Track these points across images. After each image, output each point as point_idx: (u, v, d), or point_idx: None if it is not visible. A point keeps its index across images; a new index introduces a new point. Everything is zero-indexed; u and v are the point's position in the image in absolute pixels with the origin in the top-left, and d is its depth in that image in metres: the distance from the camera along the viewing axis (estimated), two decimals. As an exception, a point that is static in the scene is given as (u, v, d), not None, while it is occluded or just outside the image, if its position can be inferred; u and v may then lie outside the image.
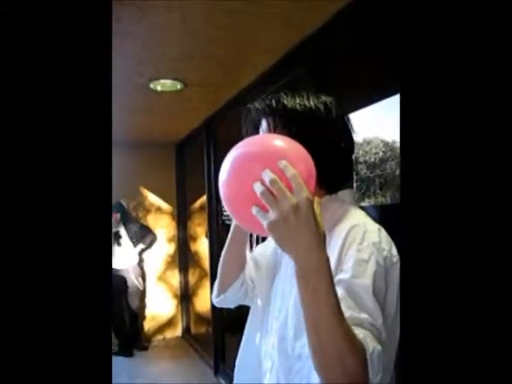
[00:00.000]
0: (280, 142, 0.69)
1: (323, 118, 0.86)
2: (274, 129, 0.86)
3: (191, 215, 4.86)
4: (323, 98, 0.89)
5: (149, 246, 4.62)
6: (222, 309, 3.72)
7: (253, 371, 0.97)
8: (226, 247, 1.04)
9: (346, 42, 2.00)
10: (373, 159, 2.10)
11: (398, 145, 1.90)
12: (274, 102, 0.88)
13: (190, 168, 4.77)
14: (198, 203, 4.68)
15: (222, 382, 3.56)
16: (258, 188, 0.61)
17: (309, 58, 2.14)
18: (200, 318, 4.69)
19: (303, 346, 0.78)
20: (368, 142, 2.14)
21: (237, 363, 1.02)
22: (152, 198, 4.85)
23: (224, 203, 0.71)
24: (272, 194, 0.60)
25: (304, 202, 0.60)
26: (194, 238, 4.78)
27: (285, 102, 0.88)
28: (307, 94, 0.90)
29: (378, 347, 0.66)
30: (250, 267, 1.07)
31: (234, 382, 1.02)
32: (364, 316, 0.69)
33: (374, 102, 1.96)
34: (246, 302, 1.08)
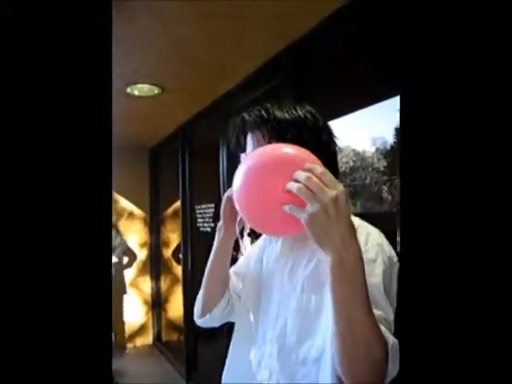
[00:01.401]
0: (292, 149, 0.73)
1: (313, 125, 0.89)
2: (269, 139, 0.87)
3: (164, 221, 4.81)
4: (307, 107, 0.91)
5: (128, 265, 4.47)
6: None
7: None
8: (210, 266, 1.02)
9: (327, 50, 2.03)
10: (343, 168, 2.14)
11: (368, 154, 1.93)
12: (264, 113, 0.89)
13: (164, 173, 4.73)
14: (171, 209, 4.64)
15: (194, 390, 3.52)
16: (292, 186, 0.65)
17: (289, 66, 2.16)
18: (172, 326, 4.63)
19: (308, 349, 0.81)
20: (339, 151, 2.17)
21: (224, 377, 1.02)
22: (124, 203, 4.77)
23: (246, 211, 0.75)
24: (308, 189, 0.63)
25: (342, 193, 0.63)
26: (167, 244, 4.73)
27: (275, 112, 0.89)
28: (291, 104, 0.91)
29: (396, 341, 0.69)
30: (233, 282, 1.07)
31: None
32: (378, 312, 0.70)
33: (348, 113, 2.00)
34: (232, 319, 1.07)
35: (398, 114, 1.81)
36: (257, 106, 0.92)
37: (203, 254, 3.48)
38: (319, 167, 0.66)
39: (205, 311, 1.04)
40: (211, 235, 3.11)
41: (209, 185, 3.34)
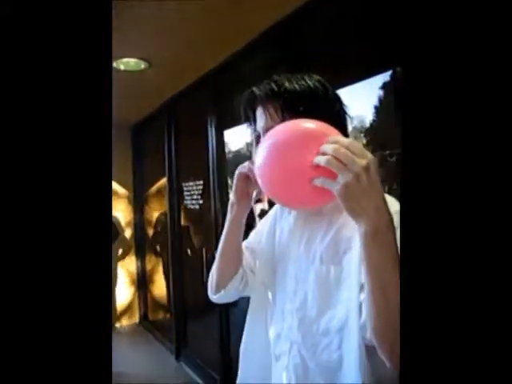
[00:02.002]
0: (312, 123, 0.73)
1: (324, 94, 0.87)
2: (282, 112, 0.85)
3: (148, 199, 4.76)
4: (315, 76, 0.89)
5: (121, 257, 4.26)
6: (182, 293, 3.69)
7: (260, 357, 0.98)
8: (223, 242, 1.02)
9: (317, 27, 2.02)
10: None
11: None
12: (274, 86, 0.87)
13: (147, 150, 4.66)
14: (155, 187, 4.59)
15: (184, 366, 3.55)
16: (320, 159, 0.64)
17: (278, 42, 2.14)
18: (158, 304, 4.63)
19: (330, 320, 0.81)
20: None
21: (242, 351, 1.02)
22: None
23: (272, 187, 0.76)
24: (338, 160, 0.62)
25: (372, 161, 0.63)
26: (151, 223, 4.69)
27: (285, 84, 0.86)
28: (300, 75, 0.89)
29: None
30: (246, 257, 1.06)
31: (240, 370, 1.02)
32: None
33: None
34: (246, 293, 1.07)
35: (377, 92, 1.85)
36: (265, 80, 0.90)
37: (191, 230, 3.47)
38: (344, 138, 0.66)
39: (219, 287, 1.04)
40: (199, 212, 3.10)
41: (196, 161, 3.31)
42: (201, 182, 3.23)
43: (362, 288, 0.74)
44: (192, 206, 3.43)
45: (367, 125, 1.85)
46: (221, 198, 2.90)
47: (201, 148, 3.08)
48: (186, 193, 3.53)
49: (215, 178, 2.92)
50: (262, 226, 1.09)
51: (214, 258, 1.05)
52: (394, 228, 0.65)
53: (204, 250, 2.89)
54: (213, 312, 2.97)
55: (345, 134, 0.88)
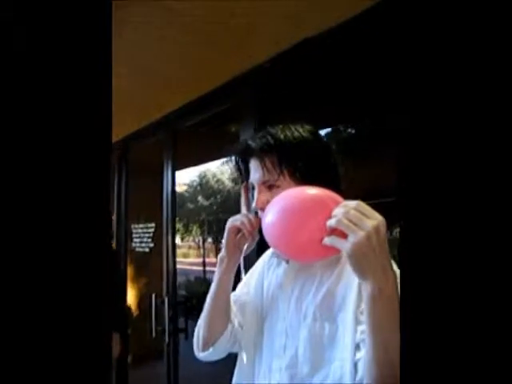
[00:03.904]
0: (320, 190, 0.77)
1: (317, 145, 0.89)
2: (279, 165, 0.85)
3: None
4: (306, 126, 0.91)
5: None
6: (127, 341, 3.47)
7: None
8: (213, 297, 0.97)
9: (287, 78, 2.08)
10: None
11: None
12: (270, 139, 0.87)
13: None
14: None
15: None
16: (331, 221, 0.67)
17: (248, 89, 2.17)
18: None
19: (324, 378, 0.79)
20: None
21: None
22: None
23: (281, 245, 0.79)
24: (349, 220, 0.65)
25: (382, 222, 0.65)
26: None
27: (281, 137, 0.87)
28: (292, 125, 0.90)
29: None
30: (234, 312, 1.02)
31: None
32: None
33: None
34: (235, 350, 1.01)
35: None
36: (261, 132, 0.91)
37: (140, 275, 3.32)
38: (351, 201, 0.68)
39: (207, 345, 0.99)
40: (148, 256, 2.97)
41: (148, 203, 3.21)
42: (152, 225, 3.13)
43: (357, 347, 0.74)
44: (141, 249, 3.30)
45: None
46: (172, 242, 2.81)
47: (154, 190, 3.01)
48: (134, 235, 3.40)
49: (168, 221, 2.84)
50: (248, 277, 1.06)
51: (163, 303, 1.00)
52: (397, 289, 0.66)
53: (153, 295, 2.75)
54: (158, 362, 2.81)
55: (337, 185, 0.88)
